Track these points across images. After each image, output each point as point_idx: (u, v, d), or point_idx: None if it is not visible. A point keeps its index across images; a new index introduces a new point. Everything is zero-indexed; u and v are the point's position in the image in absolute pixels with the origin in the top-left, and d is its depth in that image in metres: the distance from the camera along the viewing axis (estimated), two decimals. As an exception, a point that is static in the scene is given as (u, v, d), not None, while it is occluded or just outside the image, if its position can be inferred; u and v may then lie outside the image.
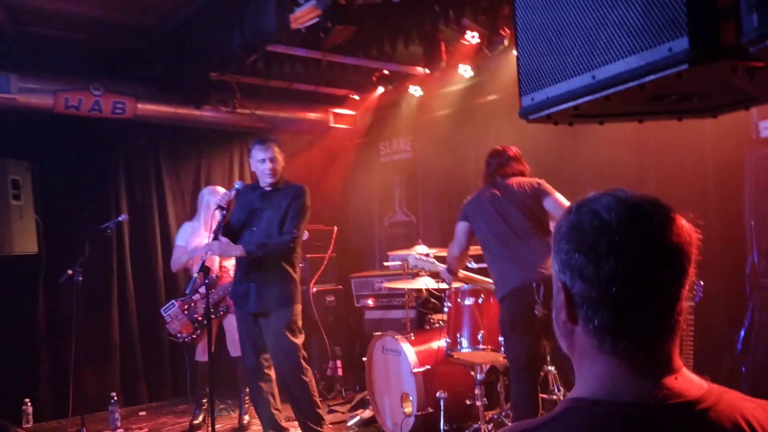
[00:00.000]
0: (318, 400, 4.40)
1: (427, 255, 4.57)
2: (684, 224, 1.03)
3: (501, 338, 4.13)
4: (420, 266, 4.52)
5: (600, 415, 0.98)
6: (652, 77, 1.13)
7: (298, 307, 4.36)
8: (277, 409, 4.46)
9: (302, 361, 4.30)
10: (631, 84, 1.17)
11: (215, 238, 4.18)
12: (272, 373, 4.43)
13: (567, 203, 3.83)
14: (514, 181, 3.96)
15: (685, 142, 4.55)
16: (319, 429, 4.33)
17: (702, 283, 3.87)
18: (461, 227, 4.06)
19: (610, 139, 5.02)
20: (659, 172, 4.80)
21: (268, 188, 4.35)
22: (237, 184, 4.32)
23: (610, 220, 1.00)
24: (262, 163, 4.29)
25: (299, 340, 4.32)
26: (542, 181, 3.93)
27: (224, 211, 4.15)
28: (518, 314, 3.70)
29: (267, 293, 4.27)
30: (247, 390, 5.48)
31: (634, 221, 1.00)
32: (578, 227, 1.02)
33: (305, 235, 5.52)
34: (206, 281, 4.33)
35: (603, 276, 0.98)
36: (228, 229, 4.30)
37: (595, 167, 5.20)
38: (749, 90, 1.24)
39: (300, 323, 4.37)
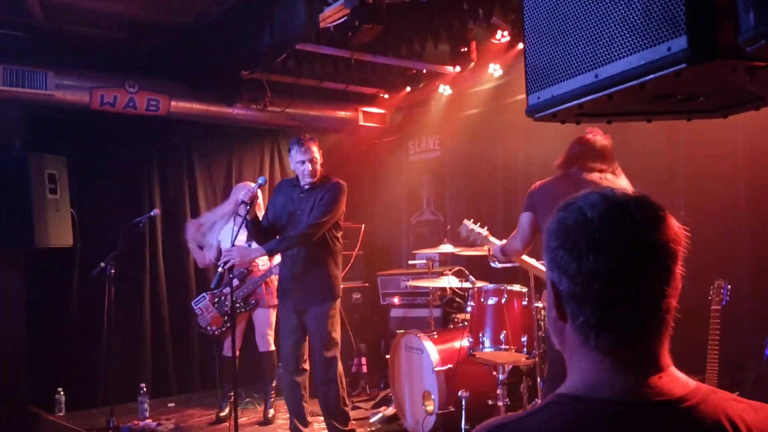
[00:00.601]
0: (346, 398, 4.45)
1: (482, 226, 4.20)
2: (671, 222, 1.03)
3: (524, 338, 4.12)
4: (472, 238, 4.22)
5: (578, 410, 0.99)
6: (651, 76, 1.13)
7: (338, 303, 4.42)
8: (306, 403, 4.51)
9: (337, 358, 4.36)
10: (631, 83, 1.18)
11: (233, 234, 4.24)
12: (307, 367, 4.49)
13: None
14: (594, 178, 3.57)
15: (716, 137, 4.44)
16: (343, 428, 4.38)
17: (729, 286, 3.79)
18: (526, 218, 3.70)
19: (640, 132, 4.93)
20: (688, 168, 4.72)
21: (307, 186, 4.40)
22: (260, 180, 4.34)
23: (593, 217, 1.01)
24: (302, 165, 4.33)
25: (337, 336, 4.38)
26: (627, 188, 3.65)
27: (247, 207, 4.19)
28: None
29: (308, 289, 4.33)
30: (273, 384, 5.56)
31: (616, 219, 1.00)
32: (564, 224, 1.03)
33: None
34: (232, 276, 4.40)
35: (585, 273, 0.99)
36: (254, 225, 4.35)
37: (624, 161, 5.12)
38: (752, 89, 1.23)
39: (338, 318, 4.41)
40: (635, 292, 1.00)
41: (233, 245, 4.29)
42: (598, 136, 3.69)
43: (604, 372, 1.01)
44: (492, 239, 4.12)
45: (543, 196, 3.64)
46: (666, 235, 1.01)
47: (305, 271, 4.32)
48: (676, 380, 1.02)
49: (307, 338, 4.47)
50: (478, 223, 4.25)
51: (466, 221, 4.28)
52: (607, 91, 1.23)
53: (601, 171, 3.60)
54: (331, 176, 4.46)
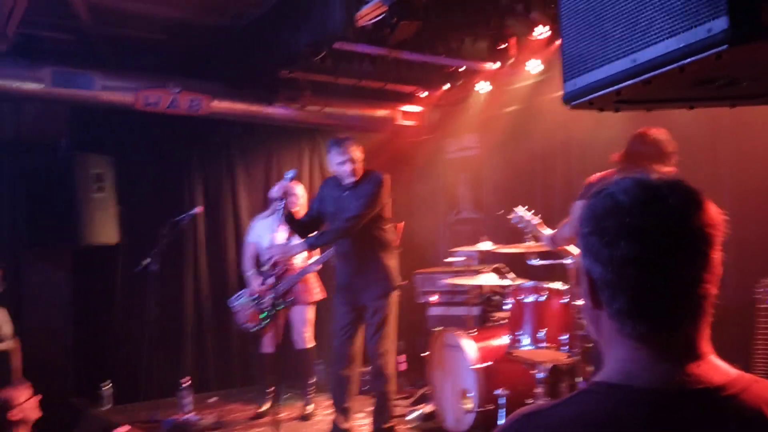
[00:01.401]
0: (395, 393, 4.48)
1: (534, 214, 4.22)
2: (707, 206, 1.00)
3: (564, 337, 4.07)
4: (522, 225, 4.24)
5: (614, 399, 0.97)
6: (690, 59, 1.10)
7: (396, 294, 4.46)
8: (352, 400, 4.55)
9: (393, 352, 4.40)
10: (670, 67, 1.15)
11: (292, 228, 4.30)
12: (358, 363, 4.53)
13: None
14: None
15: (763, 127, 4.32)
16: (385, 425, 4.40)
17: (774, 283, 3.69)
18: (580, 206, 3.64)
19: (683, 121, 4.81)
20: (734, 162, 4.59)
21: (349, 185, 4.43)
22: (289, 174, 4.36)
23: (623, 202, 0.99)
24: (342, 165, 4.37)
25: (394, 330, 4.44)
26: None
27: (282, 202, 4.23)
28: None
29: (368, 284, 4.39)
30: (312, 381, 5.60)
31: (647, 203, 0.98)
32: (594, 210, 1.02)
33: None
34: (273, 273, 4.45)
35: (617, 258, 0.97)
36: (292, 220, 4.40)
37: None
38: (798, 72, 1.19)
39: (396, 312, 4.46)
40: (668, 278, 0.97)
41: (272, 243, 4.35)
42: (661, 133, 3.57)
43: (640, 360, 0.99)
44: (544, 231, 4.14)
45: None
46: (701, 219, 0.98)
47: (362, 266, 4.37)
48: (715, 368, 0.99)
49: (360, 334, 4.50)
50: (532, 211, 4.24)
51: (518, 208, 4.30)
52: (645, 76, 1.20)
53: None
54: (371, 170, 4.48)
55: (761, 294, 3.67)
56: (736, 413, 0.94)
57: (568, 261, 4.12)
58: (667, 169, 3.52)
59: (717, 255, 0.99)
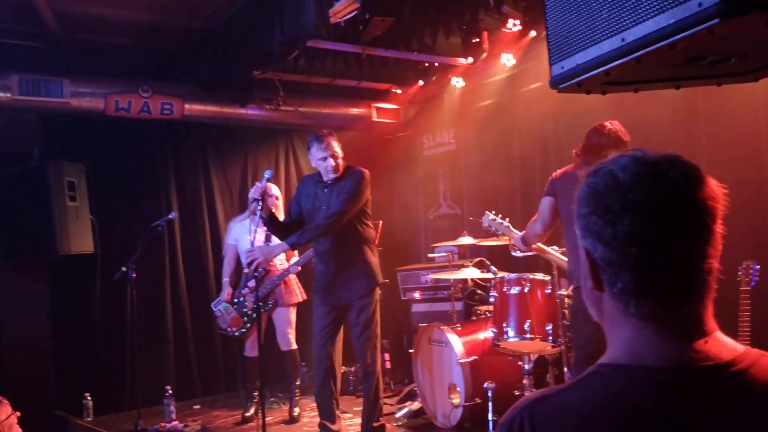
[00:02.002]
0: (380, 401, 4.47)
1: (504, 218, 4.31)
2: (708, 180, 0.99)
3: (548, 327, 4.09)
4: (494, 228, 4.32)
5: (622, 379, 0.95)
6: (682, 35, 1.10)
7: (378, 291, 4.44)
8: (336, 401, 4.51)
9: (378, 352, 4.37)
10: (661, 44, 1.14)
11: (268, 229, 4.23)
12: (339, 364, 4.49)
13: None
14: None
15: (739, 114, 4.37)
16: (375, 423, 4.38)
17: (758, 266, 3.72)
18: (546, 202, 3.80)
19: (658, 110, 4.87)
20: (711, 148, 4.64)
21: (330, 181, 4.38)
22: (266, 173, 4.30)
23: (625, 179, 0.97)
24: (324, 161, 4.30)
25: (379, 327, 4.41)
26: None
27: (260, 203, 4.16)
28: None
29: (351, 283, 4.34)
30: (297, 383, 5.56)
31: (649, 178, 0.97)
32: (594, 189, 1.00)
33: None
34: (255, 276, 4.40)
35: (620, 236, 0.96)
36: (272, 221, 4.34)
37: (641, 139, 5.07)
38: (788, 45, 1.19)
39: (379, 309, 4.43)
40: (674, 254, 0.96)
41: (252, 245, 4.29)
42: (616, 124, 3.72)
43: (646, 339, 0.97)
44: (513, 230, 4.22)
45: (564, 184, 3.72)
46: (703, 193, 0.97)
47: (344, 264, 4.32)
48: (722, 344, 0.98)
49: (340, 335, 4.46)
50: (499, 215, 4.32)
51: (487, 213, 4.37)
52: (635, 55, 1.19)
53: None
54: (353, 166, 4.45)
55: (743, 276, 3.70)
56: (746, 388, 0.93)
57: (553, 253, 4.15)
58: None
59: (719, 229, 0.98)
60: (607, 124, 3.72)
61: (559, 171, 3.82)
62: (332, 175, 4.31)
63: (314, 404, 4.77)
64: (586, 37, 1.30)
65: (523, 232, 4.07)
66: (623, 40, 1.21)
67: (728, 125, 4.52)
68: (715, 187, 0.99)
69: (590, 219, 1.00)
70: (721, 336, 1.00)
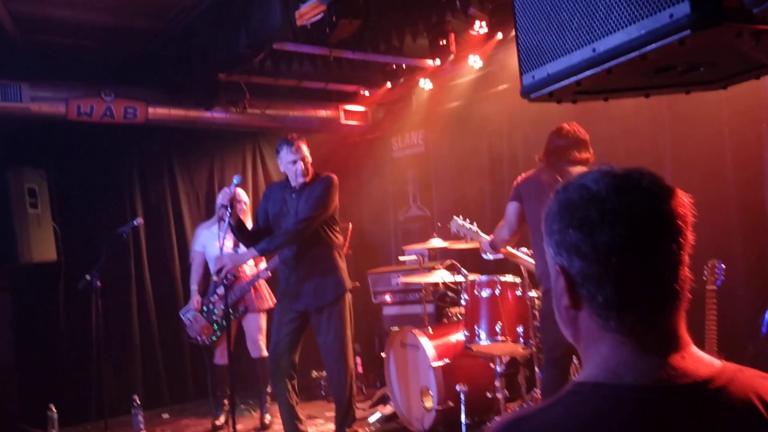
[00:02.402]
0: (353, 402, 4.42)
1: (471, 222, 4.34)
2: (676, 189, 1.00)
3: (519, 329, 4.10)
4: (462, 233, 4.34)
5: (600, 398, 0.94)
6: (653, 46, 1.09)
7: (348, 299, 4.39)
8: (297, 403, 4.46)
9: (349, 357, 4.32)
10: (632, 55, 1.13)
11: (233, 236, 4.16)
12: (296, 370, 4.44)
13: None
14: (580, 171, 3.67)
15: (701, 116, 4.46)
16: (350, 430, 4.34)
17: (723, 266, 3.78)
18: (513, 208, 3.84)
19: (623, 115, 4.96)
20: (674, 149, 4.72)
21: (298, 186, 4.32)
22: (235, 179, 4.24)
23: (600, 190, 0.97)
24: (294, 165, 4.25)
25: (350, 332, 4.36)
26: None
27: (229, 210, 4.10)
28: None
29: (320, 288, 4.28)
30: (269, 390, 5.49)
31: (623, 189, 0.97)
32: (567, 203, 0.99)
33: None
34: (224, 282, 4.32)
35: (600, 247, 0.95)
36: (240, 228, 4.27)
37: (608, 144, 5.14)
38: (757, 56, 1.19)
39: (349, 315, 4.39)
40: (653, 262, 0.95)
41: (221, 252, 4.22)
42: (574, 125, 3.80)
43: (624, 355, 0.96)
44: (482, 235, 4.25)
45: (529, 188, 3.77)
46: (675, 201, 0.98)
47: (312, 271, 4.26)
48: (699, 360, 0.97)
49: (301, 342, 4.41)
50: (467, 220, 4.35)
51: (455, 218, 4.40)
52: (606, 65, 1.18)
53: (586, 160, 3.74)
54: (321, 172, 4.40)
55: (709, 275, 3.75)
56: (726, 406, 0.92)
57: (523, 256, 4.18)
58: (586, 156, 3.74)
59: (691, 236, 0.98)
60: (565, 125, 3.80)
61: (522, 175, 3.88)
62: (301, 179, 4.26)
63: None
64: (557, 46, 1.29)
65: (491, 236, 4.10)
66: (594, 50, 1.20)
67: (692, 130, 4.60)
68: (682, 195, 1.00)
69: (566, 234, 0.98)
70: (696, 351, 0.99)
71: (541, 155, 3.83)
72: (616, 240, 0.94)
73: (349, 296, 4.40)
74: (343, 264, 4.40)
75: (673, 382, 0.93)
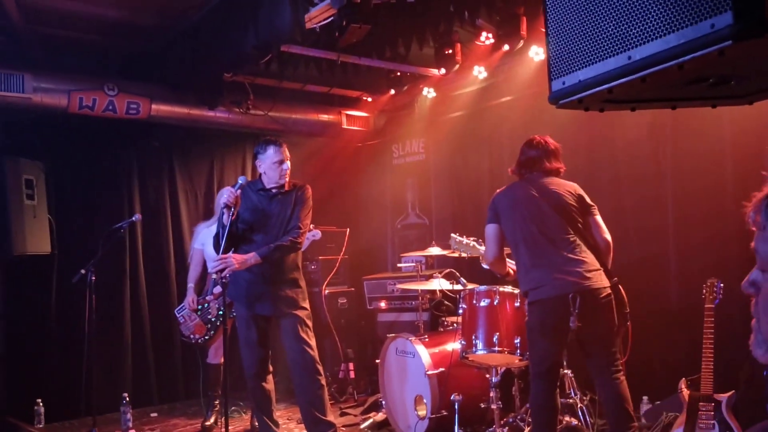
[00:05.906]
0: (329, 405, 4.39)
1: (468, 237, 4.37)
2: None
3: (517, 340, 4.09)
4: (461, 249, 4.36)
5: None
6: (692, 56, 1.09)
7: (307, 302, 4.44)
8: (275, 409, 4.50)
9: (318, 363, 4.30)
10: (669, 63, 1.13)
11: (220, 238, 4.12)
12: (271, 375, 4.47)
13: (605, 228, 3.74)
14: (553, 181, 3.75)
15: (702, 134, 4.50)
16: None
17: (722, 284, 3.78)
18: (492, 231, 3.82)
19: (624, 130, 5.01)
20: (675, 167, 4.76)
21: (274, 190, 4.31)
22: (240, 179, 4.22)
23: None
24: (280, 165, 4.26)
25: (314, 341, 4.34)
26: (583, 193, 3.75)
27: (231, 210, 4.07)
28: (550, 324, 3.57)
29: (285, 295, 4.27)
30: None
31: None
32: None
33: (317, 235, 5.52)
34: (221, 281, 4.29)
35: None
36: (232, 231, 4.22)
37: (609, 160, 5.17)
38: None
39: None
40: None
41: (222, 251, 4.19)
42: (546, 137, 3.89)
43: None
44: (479, 248, 4.29)
45: (504, 203, 3.80)
46: None
47: (279, 275, 4.26)
48: None
49: (270, 344, 4.44)
50: (464, 236, 4.41)
51: (453, 235, 4.46)
52: (641, 74, 1.18)
53: (558, 170, 3.82)
54: (295, 180, 4.44)
55: (707, 294, 3.76)
56: None
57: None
58: (557, 165, 3.81)
59: None
60: (536, 137, 3.89)
61: (497, 192, 3.89)
62: (283, 181, 4.27)
63: (276, 414, 4.67)
64: (590, 53, 1.28)
65: (484, 262, 4.12)
66: (630, 57, 1.20)
67: (693, 148, 4.64)
68: None
69: None
70: None
71: (514, 168, 3.91)
72: None
73: (308, 307, 4.43)
74: (300, 269, 4.44)
75: None
